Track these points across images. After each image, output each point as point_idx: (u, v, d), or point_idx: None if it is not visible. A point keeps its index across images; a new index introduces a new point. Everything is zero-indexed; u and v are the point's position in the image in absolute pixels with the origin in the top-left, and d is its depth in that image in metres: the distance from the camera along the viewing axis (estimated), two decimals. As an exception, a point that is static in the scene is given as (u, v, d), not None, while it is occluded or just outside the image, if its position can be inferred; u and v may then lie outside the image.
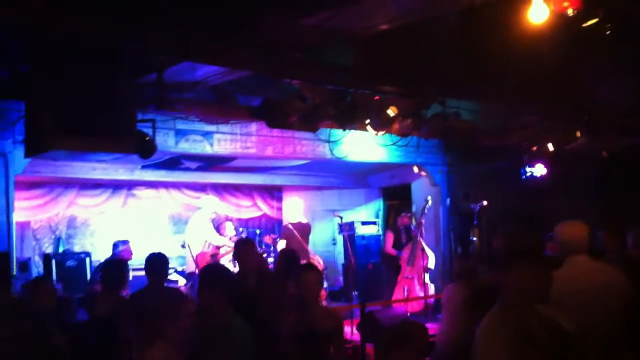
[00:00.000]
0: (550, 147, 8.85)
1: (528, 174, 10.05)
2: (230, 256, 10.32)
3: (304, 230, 10.63)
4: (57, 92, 5.04)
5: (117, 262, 6.15)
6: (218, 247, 10.13)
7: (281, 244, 10.34)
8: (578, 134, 8.55)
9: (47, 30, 4.71)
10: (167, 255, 6.07)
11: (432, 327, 6.86)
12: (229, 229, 11.18)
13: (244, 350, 4.06)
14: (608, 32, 5.35)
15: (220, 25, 5.00)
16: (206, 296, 4.16)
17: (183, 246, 10.56)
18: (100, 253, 10.40)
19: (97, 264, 9.32)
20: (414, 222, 10.86)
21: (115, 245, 9.20)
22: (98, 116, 5.13)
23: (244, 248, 6.26)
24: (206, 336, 3.98)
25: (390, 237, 10.85)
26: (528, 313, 3.09)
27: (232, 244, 10.55)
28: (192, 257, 9.64)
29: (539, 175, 10.12)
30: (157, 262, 5.74)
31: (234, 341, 4.00)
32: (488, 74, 6.63)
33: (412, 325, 3.76)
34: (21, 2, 4.37)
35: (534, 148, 9.21)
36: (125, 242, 9.28)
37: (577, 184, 10.65)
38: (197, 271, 9.48)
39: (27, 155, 6.09)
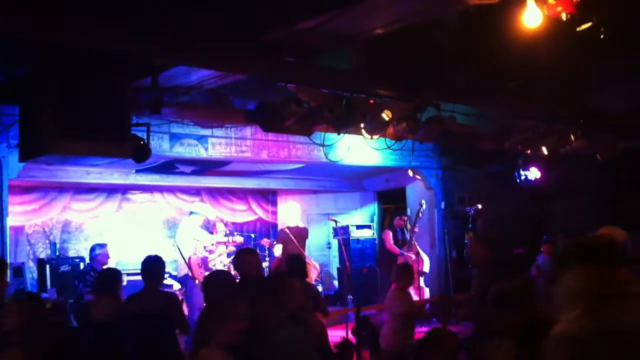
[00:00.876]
0: (545, 150, 8.86)
1: (523, 177, 10.08)
2: (223, 257, 10.32)
3: (301, 234, 10.60)
4: (53, 97, 5.03)
5: (111, 269, 6.15)
6: (211, 251, 10.08)
7: (278, 249, 10.32)
8: (572, 137, 8.56)
9: (46, 39, 4.68)
10: (162, 259, 6.06)
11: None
12: (220, 227, 11.19)
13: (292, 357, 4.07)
14: (602, 35, 5.37)
15: (217, 29, 5.00)
16: (258, 304, 4.15)
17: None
18: (95, 258, 10.33)
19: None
20: (408, 226, 10.85)
21: (92, 249, 9.13)
22: (94, 120, 5.13)
23: (246, 257, 6.01)
24: (256, 342, 3.95)
25: (389, 235, 10.81)
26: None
27: (224, 243, 10.58)
28: (184, 259, 9.61)
29: (533, 178, 10.15)
30: (153, 266, 5.73)
31: (281, 348, 3.99)
32: (486, 77, 6.64)
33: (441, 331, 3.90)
34: (19, 11, 4.35)
35: (529, 151, 9.21)
36: (102, 246, 9.19)
37: (574, 188, 10.68)
38: (189, 274, 9.45)
39: (21, 159, 6.09)
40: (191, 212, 10.26)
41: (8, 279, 5.30)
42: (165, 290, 6.67)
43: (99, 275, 6.39)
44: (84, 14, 4.53)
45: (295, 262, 6.58)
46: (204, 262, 9.61)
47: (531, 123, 8.66)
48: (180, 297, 8.32)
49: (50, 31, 4.51)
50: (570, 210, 10.64)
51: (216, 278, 5.33)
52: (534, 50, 5.89)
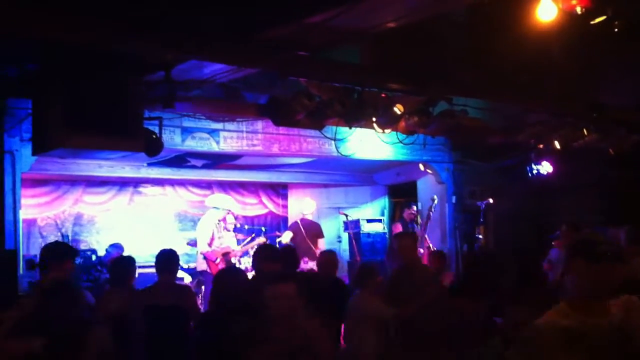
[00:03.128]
0: (557, 144, 8.82)
1: (535, 172, 10.04)
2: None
3: (311, 228, 10.61)
4: (66, 91, 5.05)
5: (125, 258, 6.15)
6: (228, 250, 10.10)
7: (286, 236, 10.33)
8: (585, 131, 8.52)
9: (59, 40, 4.70)
10: (176, 252, 6.08)
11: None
12: (230, 219, 11.23)
13: None
14: (616, 29, 5.34)
15: (228, 23, 5.01)
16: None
17: (189, 244, 10.56)
18: (107, 250, 10.41)
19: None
20: (418, 221, 10.82)
21: (111, 246, 9.38)
22: (106, 114, 5.15)
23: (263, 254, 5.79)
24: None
25: (398, 228, 10.78)
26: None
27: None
28: (199, 253, 9.68)
29: (545, 172, 10.10)
30: (167, 259, 5.75)
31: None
32: (497, 71, 6.62)
33: None
34: (33, 16, 4.38)
35: (541, 146, 9.17)
36: (119, 249, 9.39)
37: (585, 182, 10.63)
38: (208, 269, 9.49)
39: (34, 153, 6.12)
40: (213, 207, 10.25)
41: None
42: (179, 283, 6.69)
43: (112, 265, 6.41)
44: (91, 13, 4.55)
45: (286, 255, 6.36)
46: (226, 257, 9.63)
47: (543, 116, 8.62)
48: (194, 290, 8.39)
49: (59, 31, 4.54)
50: (580, 205, 10.60)
51: (226, 276, 5.32)
52: (544, 45, 5.87)
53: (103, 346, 4.09)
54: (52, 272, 4.98)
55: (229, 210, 10.95)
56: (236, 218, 11.55)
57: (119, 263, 6.19)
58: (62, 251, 5.29)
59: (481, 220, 10.56)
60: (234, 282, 4.92)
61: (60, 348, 3.81)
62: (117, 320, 5.21)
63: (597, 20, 5.19)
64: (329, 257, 6.94)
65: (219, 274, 5.44)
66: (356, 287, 5.81)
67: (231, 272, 5.84)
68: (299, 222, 10.72)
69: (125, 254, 9.51)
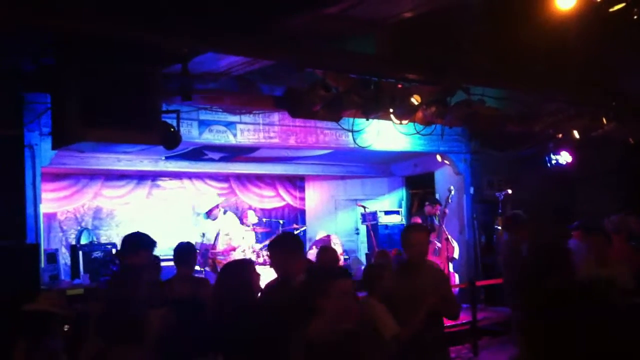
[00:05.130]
0: (576, 134, 8.75)
1: (554, 162, 9.96)
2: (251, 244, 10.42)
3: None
4: (85, 85, 5.08)
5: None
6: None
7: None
8: (604, 120, 8.43)
9: (75, 32, 4.73)
10: (194, 245, 6.12)
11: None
12: (251, 217, 11.25)
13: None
14: (636, 17, 5.28)
15: (245, 15, 5.01)
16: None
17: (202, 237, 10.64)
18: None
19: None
20: (438, 213, 10.77)
21: None
22: (124, 108, 5.17)
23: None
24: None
25: (418, 222, 10.71)
26: None
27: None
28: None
29: (564, 162, 10.03)
30: (185, 252, 5.78)
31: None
32: (515, 60, 6.57)
33: None
34: (50, 9, 4.41)
35: (560, 135, 9.10)
36: None
37: (604, 171, 10.54)
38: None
39: (54, 147, 6.17)
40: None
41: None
42: (197, 275, 6.73)
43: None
44: (108, 5, 4.58)
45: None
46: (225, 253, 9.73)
47: (562, 106, 8.55)
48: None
49: (76, 23, 4.57)
50: (599, 194, 10.51)
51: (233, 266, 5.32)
52: (562, 33, 5.82)
53: (166, 326, 4.17)
54: (127, 260, 5.21)
55: (250, 206, 11.06)
56: (255, 211, 11.61)
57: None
58: (135, 241, 5.42)
59: (499, 210, 10.50)
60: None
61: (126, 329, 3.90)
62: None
63: (616, 7, 5.13)
64: (331, 254, 6.61)
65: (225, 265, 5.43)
66: (364, 291, 5.30)
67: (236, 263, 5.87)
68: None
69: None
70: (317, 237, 11.27)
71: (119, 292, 4.28)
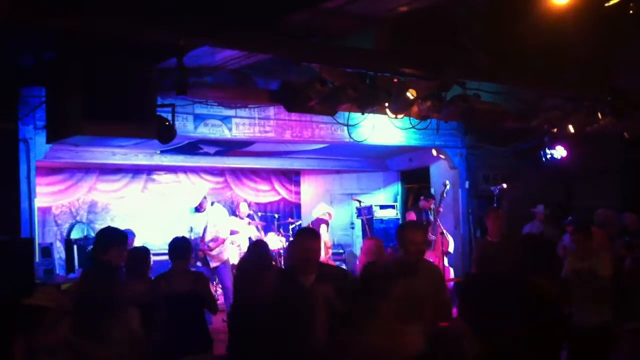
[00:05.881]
0: (571, 128, 8.74)
1: (548, 156, 9.97)
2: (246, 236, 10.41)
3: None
4: (79, 79, 5.06)
5: (140, 248, 6.17)
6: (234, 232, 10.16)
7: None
8: (600, 115, 8.43)
9: (75, 32, 4.71)
10: (189, 239, 6.10)
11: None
12: (243, 208, 11.26)
13: None
14: (631, 11, 5.28)
15: (242, 9, 4.98)
16: None
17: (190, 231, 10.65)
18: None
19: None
20: (432, 209, 10.76)
21: None
22: (119, 102, 5.15)
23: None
24: None
25: (412, 217, 10.73)
26: None
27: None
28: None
29: (559, 157, 10.03)
30: (180, 246, 5.76)
31: None
32: (512, 55, 6.56)
33: None
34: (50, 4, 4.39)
35: (555, 130, 9.10)
36: (130, 235, 9.48)
37: (601, 167, 10.55)
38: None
39: (49, 141, 6.15)
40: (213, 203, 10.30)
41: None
42: (194, 270, 6.71)
43: (128, 257, 6.43)
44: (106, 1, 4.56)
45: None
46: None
47: (558, 101, 8.55)
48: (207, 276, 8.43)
49: (75, 20, 4.55)
50: (594, 189, 10.53)
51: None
52: (560, 28, 5.81)
53: (134, 325, 4.17)
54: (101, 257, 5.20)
55: (244, 199, 11.02)
56: (249, 205, 11.60)
57: (135, 253, 6.20)
58: (107, 237, 5.42)
59: (495, 205, 10.50)
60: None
61: (94, 323, 3.90)
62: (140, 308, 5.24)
63: (612, 2, 5.13)
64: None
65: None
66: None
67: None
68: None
69: (138, 240, 9.59)
70: (315, 217, 11.06)
71: (89, 289, 4.27)
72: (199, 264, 9.87)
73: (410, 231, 5.01)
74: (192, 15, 4.86)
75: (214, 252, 9.56)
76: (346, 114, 7.91)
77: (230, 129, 8.65)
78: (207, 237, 9.72)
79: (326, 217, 10.85)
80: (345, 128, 8.62)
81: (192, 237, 10.21)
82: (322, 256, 9.80)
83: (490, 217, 7.29)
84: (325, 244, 10.16)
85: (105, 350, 3.91)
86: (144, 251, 5.98)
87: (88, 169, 11.06)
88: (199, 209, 10.29)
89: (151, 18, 4.73)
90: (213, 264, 9.57)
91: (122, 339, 4.02)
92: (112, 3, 4.56)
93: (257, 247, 6.25)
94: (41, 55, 5.80)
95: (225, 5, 4.90)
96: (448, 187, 10.48)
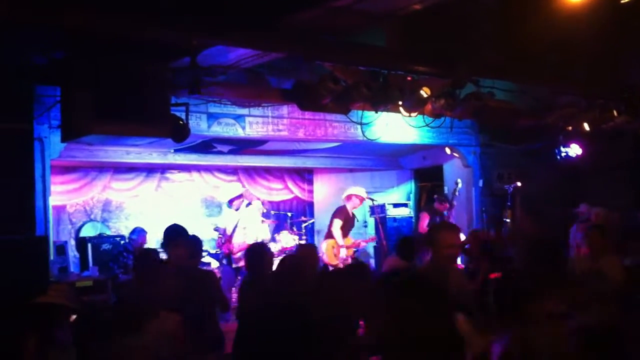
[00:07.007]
0: (586, 126, 8.69)
1: (563, 154, 9.91)
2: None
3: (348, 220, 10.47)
4: (93, 79, 5.08)
5: (148, 249, 6.20)
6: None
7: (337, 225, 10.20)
8: (615, 113, 8.38)
9: (87, 28, 4.73)
10: (199, 237, 6.12)
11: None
12: (257, 205, 11.26)
13: None
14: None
15: (254, 8, 4.99)
16: None
17: (215, 229, 10.61)
18: (135, 236, 10.51)
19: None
20: (446, 213, 10.70)
21: (132, 232, 9.81)
22: (134, 101, 5.17)
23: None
24: None
25: (425, 218, 10.66)
26: None
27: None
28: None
29: (574, 155, 9.97)
30: (191, 245, 5.78)
31: None
32: (525, 52, 6.53)
33: None
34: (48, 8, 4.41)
35: (569, 128, 9.05)
36: (142, 232, 9.54)
37: (615, 165, 10.48)
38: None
39: (63, 140, 6.19)
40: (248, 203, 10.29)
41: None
42: (204, 268, 6.73)
43: (136, 257, 6.47)
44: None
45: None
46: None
47: (572, 98, 8.50)
48: (219, 275, 8.45)
49: (88, 19, 4.57)
50: (610, 187, 10.45)
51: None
52: (573, 25, 5.78)
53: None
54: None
55: (257, 197, 10.94)
56: (263, 203, 11.58)
57: (143, 254, 6.22)
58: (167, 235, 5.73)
59: (509, 203, 10.45)
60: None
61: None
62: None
63: (627, -1, 5.10)
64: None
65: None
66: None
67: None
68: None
69: (153, 239, 9.64)
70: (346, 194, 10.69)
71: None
72: (224, 261, 9.89)
73: (446, 232, 4.67)
74: (203, 14, 4.87)
75: (236, 255, 9.54)
76: (359, 112, 7.91)
77: (243, 128, 8.67)
78: (235, 239, 9.68)
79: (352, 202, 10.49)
80: (359, 126, 8.61)
81: (219, 227, 10.25)
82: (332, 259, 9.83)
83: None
84: (333, 243, 10.06)
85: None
86: (151, 253, 6.02)
87: (102, 168, 11.11)
88: (230, 204, 10.21)
89: (153, 17, 4.74)
90: (236, 265, 9.55)
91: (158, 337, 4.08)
92: (113, 3, 4.57)
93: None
94: (53, 55, 5.83)
95: (235, 4, 4.91)
96: (460, 185, 10.44)
